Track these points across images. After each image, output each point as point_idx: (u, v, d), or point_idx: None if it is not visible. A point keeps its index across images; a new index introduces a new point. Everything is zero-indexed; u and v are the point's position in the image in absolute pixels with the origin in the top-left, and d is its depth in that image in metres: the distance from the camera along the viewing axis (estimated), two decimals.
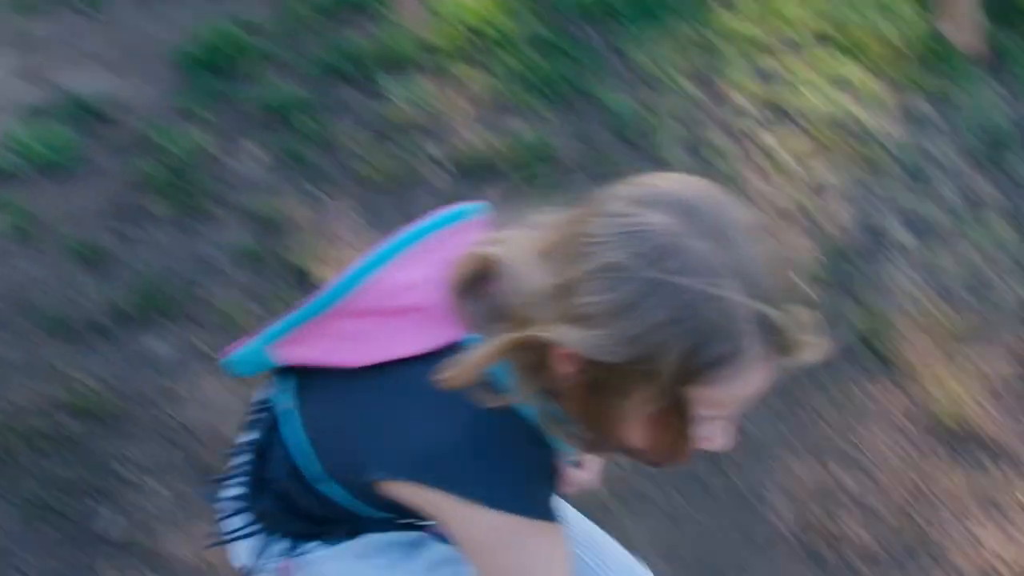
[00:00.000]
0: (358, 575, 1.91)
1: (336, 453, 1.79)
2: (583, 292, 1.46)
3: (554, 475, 1.69)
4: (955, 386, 3.22)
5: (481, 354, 1.55)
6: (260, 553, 1.94)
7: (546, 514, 1.64)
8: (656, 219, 1.45)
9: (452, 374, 1.56)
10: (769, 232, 1.42)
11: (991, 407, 3.20)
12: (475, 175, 3.65)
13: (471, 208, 1.76)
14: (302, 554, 1.92)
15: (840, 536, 2.94)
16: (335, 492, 1.82)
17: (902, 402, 3.21)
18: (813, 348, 1.46)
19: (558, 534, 1.66)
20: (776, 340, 1.44)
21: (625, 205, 1.47)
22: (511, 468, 1.63)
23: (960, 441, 3.14)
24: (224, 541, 1.96)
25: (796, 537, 2.93)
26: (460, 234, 1.73)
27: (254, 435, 1.91)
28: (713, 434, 1.54)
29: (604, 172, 3.54)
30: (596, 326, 1.45)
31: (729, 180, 3.57)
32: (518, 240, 1.63)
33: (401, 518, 1.86)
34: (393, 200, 3.58)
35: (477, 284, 1.64)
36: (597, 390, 1.50)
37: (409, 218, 1.74)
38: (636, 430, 1.55)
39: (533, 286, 1.53)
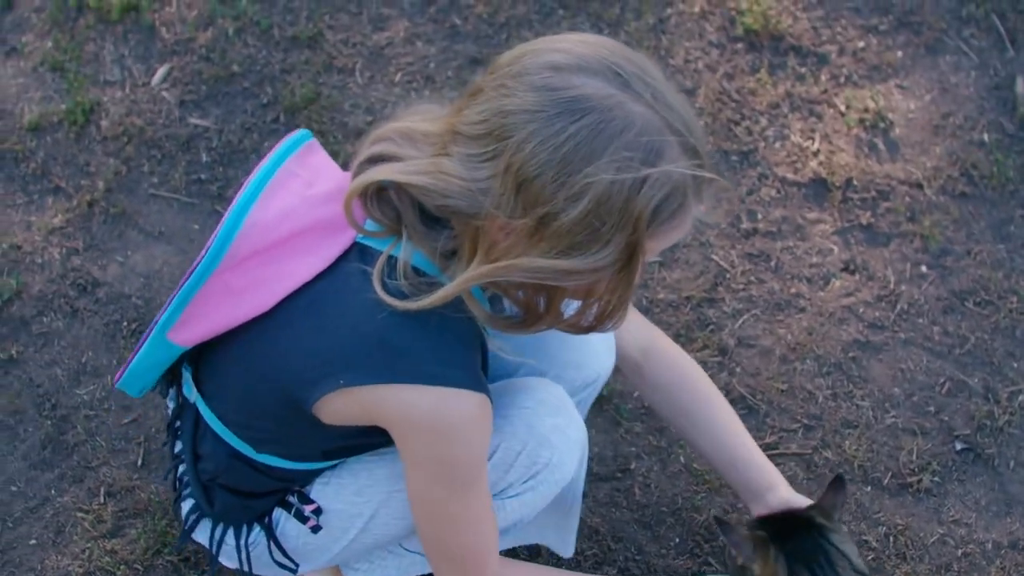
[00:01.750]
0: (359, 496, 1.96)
1: (255, 411, 1.83)
2: (535, 170, 1.53)
3: (480, 348, 1.77)
4: None
5: (465, 278, 1.62)
6: (241, 549, 1.96)
7: (477, 384, 1.71)
8: (590, 87, 1.53)
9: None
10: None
11: (801, 13, 3.25)
12: None
13: (304, 135, 1.82)
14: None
15: None
16: (274, 459, 1.84)
17: (707, 9, 3.25)
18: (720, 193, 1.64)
19: (488, 407, 1.73)
20: (702, 190, 1.62)
21: (550, 76, 1.54)
22: (439, 344, 1.67)
23: (772, 48, 3.19)
24: (212, 558, 2.04)
25: None
26: (307, 158, 1.80)
27: (182, 444, 1.94)
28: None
29: None
30: (564, 202, 1.53)
31: None
32: (417, 139, 1.69)
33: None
34: None
35: (379, 191, 1.68)
36: (564, 252, 1.57)
37: None
38: (584, 293, 1.66)
39: (466, 178, 1.58)
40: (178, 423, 2.01)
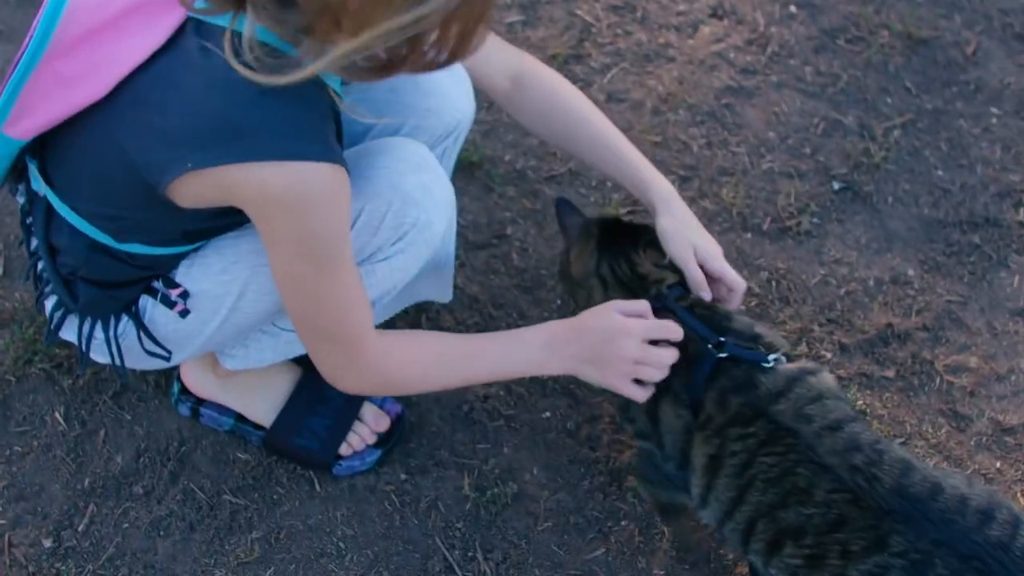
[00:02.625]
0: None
1: (110, 200, 1.72)
2: None
3: (333, 115, 1.68)
4: None
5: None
6: (110, 341, 1.89)
7: (331, 155, 1.62)
8: None
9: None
10: None
11: None
12: None
13: None
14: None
15: None
16: (136, 247, 1.76)
17: None
18: None
19: (344, 177, 1.65)
20: None
21: None
22: (290, 117, 1.57)
23: None
24: (82, 355, 1.95)
25: None
26: None
27: (36, 239, 1.84)
28: None
29: None
30: None
31: None
32: None
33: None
34: None
35: None
36: None
37: None
38: (439, 23, 1.51)
39: None
40: (30, 219, 1.90)
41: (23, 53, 1.63)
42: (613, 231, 2.10)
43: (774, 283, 2.43)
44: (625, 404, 1.96)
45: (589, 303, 2.01)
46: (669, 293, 1.96)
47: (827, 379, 1.85)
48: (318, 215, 1.64)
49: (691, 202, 2.51)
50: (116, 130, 1.64)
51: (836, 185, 2.58)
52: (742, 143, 2.62)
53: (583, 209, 2.22)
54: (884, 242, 2.51)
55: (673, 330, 1.88)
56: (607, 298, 2.00)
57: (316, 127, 1.61)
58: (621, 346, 1.87)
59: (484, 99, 2.47)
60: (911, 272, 2.45)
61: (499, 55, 2.11)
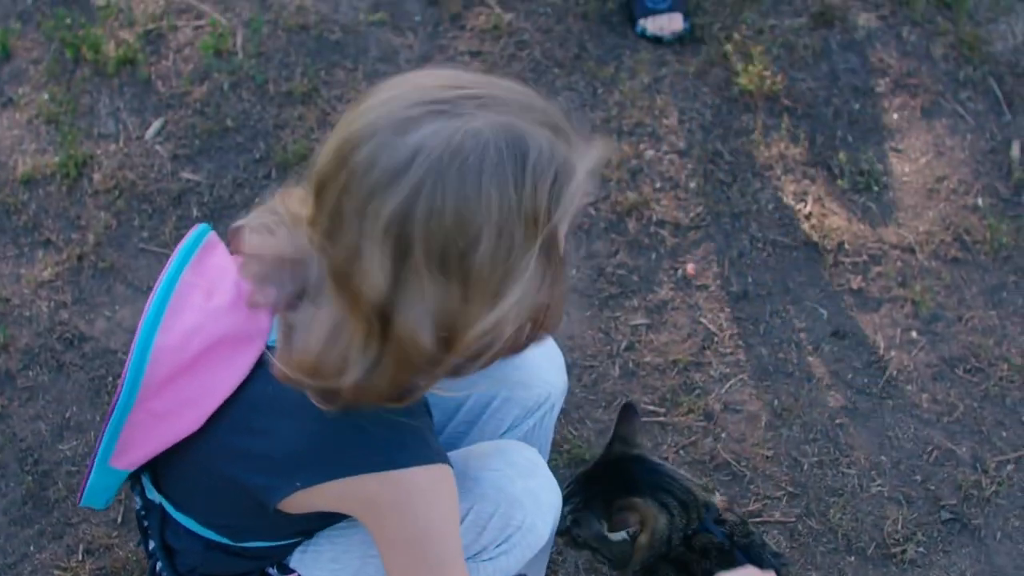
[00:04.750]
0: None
1: (223, 511, 1.83)
2: (419, 223, 1.46)
3: (426, 408, 1.75)
4: (754, 51, 3.26)
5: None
6: None
7: (431, 456, 1.68)
8: (430, 131, 1.46)
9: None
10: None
11: (796, 74, 3.26)
12: None
13: (200, 233, 1.79)
14: None
15: (641, 204, 3.01)
16: (252, 543, 1.83)
17: (702, 69, 3.26)
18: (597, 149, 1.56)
19: (448, 475, 1.70)
20: (576, 148, 1.54)
21: (393, 134, 1.47)
22: (389, 427, 1.64)
23: (766, 110, 3.20)
24: None
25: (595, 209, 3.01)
26: (205, 261, 1.77)
27: (153, 541, 1.94)
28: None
29: None
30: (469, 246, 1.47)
31: None
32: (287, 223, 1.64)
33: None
34: None
35: (274, 290, 1.64)
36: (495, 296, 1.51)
37: None
38: (529, 307, 1.57)
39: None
40: (146, 523, 2.00)
41: (118, 397, 1.73)
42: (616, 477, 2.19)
43: None
44: None
45: None
46: None
47: None
48: (426, 516, 1.71)
49: (797, 520, 2.55)
50: (219, 457, 1.74)
51: (944, 515, 2.59)
52: (853, 464, 2.65)
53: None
54: None
55: None
56: None
57: (415, 432, 1.69)
58: None
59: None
60: None
61: None
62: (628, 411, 2.21)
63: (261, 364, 1.69)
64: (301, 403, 1.62)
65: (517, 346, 1.67)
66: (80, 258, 2.87)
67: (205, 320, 1.71)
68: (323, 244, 1.53)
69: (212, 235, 1.81)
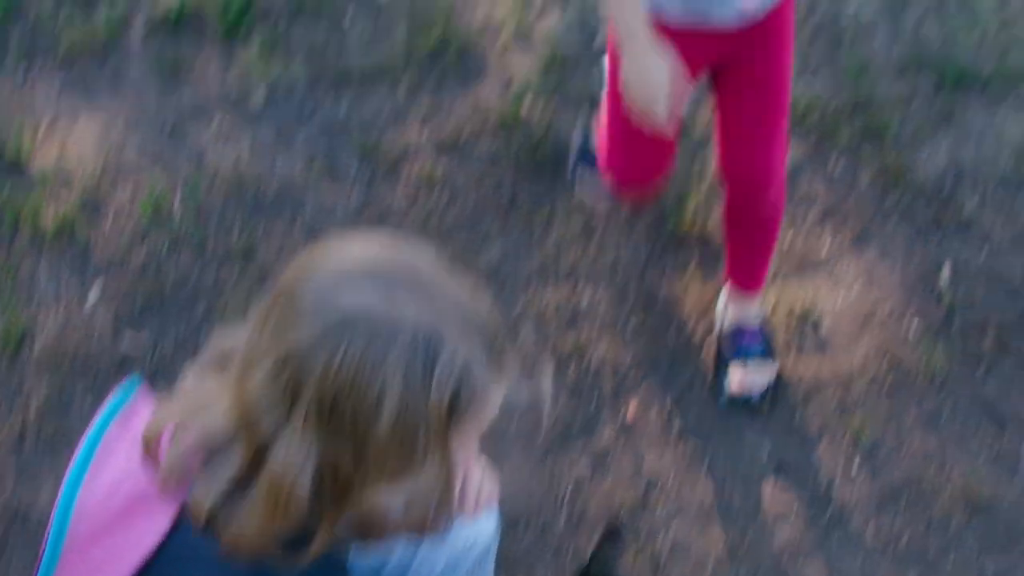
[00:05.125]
0: None
1: None
2: (325, 397, 1.46)
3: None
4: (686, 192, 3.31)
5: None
6: None
7: None
8: (357, 302, 1.48)
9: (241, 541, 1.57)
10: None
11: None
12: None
13: (129, 387, 1.80)
14: None
15: (580, 348, 3.05)
16: None
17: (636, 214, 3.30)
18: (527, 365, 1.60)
19: None
20: (501, 365, 1.55)
21: (318, 303, 1.49)
22: None
23: (700, 248, 3.24)
24: None
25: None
26: (134, 415, 1.76)
27: None
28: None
29: None
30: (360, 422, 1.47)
31: None
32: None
33: None
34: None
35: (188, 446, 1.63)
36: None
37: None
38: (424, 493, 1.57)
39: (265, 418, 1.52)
40: None
41: (46, 549, 1.70)
42: None
43: None
44: None
45: None
46: None
47: None
48: None
49: None
50: None
51: None
52: None
53: None
54: None
55: None
56: None
57: None
58: None
59: None
60: None
61: None
62: (611, 534, 2.17)
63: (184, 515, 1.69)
64: (216, 567, 1.61)
65: (421, 527, 1.68)
66: (23, 428, 2.87)
67: (132, 471, 1.69)
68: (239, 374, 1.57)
69: (141, 388, 1.82)
